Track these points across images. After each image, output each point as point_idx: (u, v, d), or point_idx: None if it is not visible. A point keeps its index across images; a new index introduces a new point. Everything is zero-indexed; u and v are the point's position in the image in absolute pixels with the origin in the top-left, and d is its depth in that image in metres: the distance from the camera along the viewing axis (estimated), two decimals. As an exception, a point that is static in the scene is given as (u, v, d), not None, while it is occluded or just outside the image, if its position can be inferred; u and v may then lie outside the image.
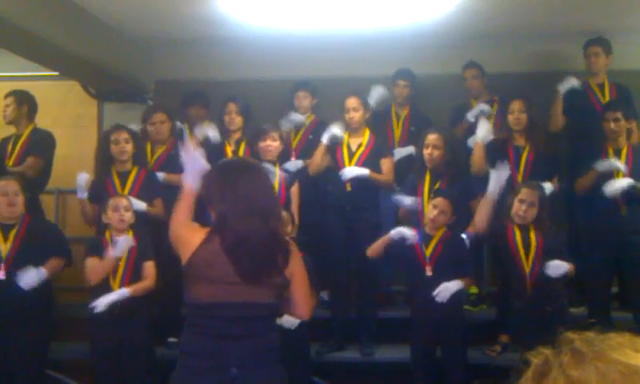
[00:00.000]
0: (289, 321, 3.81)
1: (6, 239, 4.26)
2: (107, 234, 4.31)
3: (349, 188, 4.91)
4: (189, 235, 2.55)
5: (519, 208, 4.19)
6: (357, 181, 4.88)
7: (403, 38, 5.52)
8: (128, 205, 4.32)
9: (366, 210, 4.90)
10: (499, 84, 5.58)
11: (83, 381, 4.63)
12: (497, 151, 4.92)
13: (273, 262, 2.50)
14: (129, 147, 4.70)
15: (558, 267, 4.06)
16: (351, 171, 4.87)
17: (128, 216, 4.28)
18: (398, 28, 5.38)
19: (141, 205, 4.56)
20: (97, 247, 4.25)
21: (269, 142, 4.78)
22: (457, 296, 4.32)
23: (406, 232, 4.31)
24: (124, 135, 4.72)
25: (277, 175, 4.72)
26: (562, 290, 4.25)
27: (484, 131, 4.82)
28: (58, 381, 4.66)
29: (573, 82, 5.13)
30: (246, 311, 2.50)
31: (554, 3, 5.07)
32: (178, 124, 5.44)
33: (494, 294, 4.95)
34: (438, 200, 4.36)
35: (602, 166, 4.67)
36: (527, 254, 4.22)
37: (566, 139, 5.29)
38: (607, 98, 5.17)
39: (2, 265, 4.20)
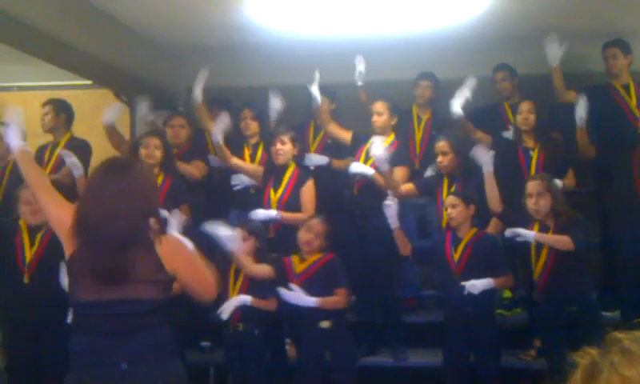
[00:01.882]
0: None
1: (32, 244, 4.28)
2: None
3: (355, 191, 4.92)
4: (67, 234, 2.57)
5: (530, 203, 4.15)
6: (365, 186, 4.86)
7: (428, 42, 5.49)
8: None
9: (375, 216, 4.84)
10: (524, 86, 5.52)
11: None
12: (506, 152, 4.89)
13: (124, 265, 2.46)
14: (157, 153, 4.74)
15: (472, 287, 4.13)
16: (357, 167, 4.86)
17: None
18: (422, 32, 5.37)
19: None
20: None
21: (278, 146, 4.80)
22: (489, 299, 4.29)
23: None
24: (155, 141, 4.77)
25: (289, 176, 4.78)
26: (585, 290, 4.17)
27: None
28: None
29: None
30: (130, 308, 2.49)
31: (576, 6, 5.01)
32: None
33: (527, 297, 4.88)
34: (447, 198, 4.41)
35: None
36: (539, 253, 4.16)
37: (594, 143, 5.20)
38: (634, 99, 5.08)
39: (26, 269, 4.22)
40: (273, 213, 4.77)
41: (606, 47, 5.19)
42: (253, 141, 5.24)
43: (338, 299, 4.27)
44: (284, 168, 4.86)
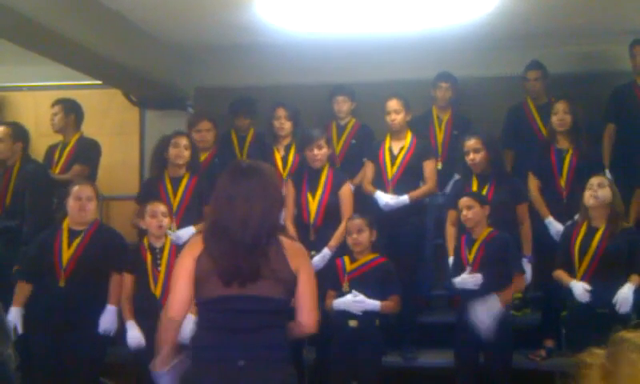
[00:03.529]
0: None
1: (70, 246, 4.25)
2: (145, 240, 4.35)
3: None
4: (189, 247, 2.71)
5: (589, 194, 4.14)
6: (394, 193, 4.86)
7: (444, 40, 5.47)
8: (166, 210, 4.35)
9: (409, 212, 4.85)
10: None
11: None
12: (537, 156, 4.85)
13: (252, 266, 2.55)
14: (187, 153, 4.75)
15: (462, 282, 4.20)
16: (388, 205, 4.83)
17: (166, 222, 4.32)
18: (438, 30, 5.34)
19: (186, 233, 4.55)
20: (136, 261, 4.29)
21: (315, 151, 4.76)
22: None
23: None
24: (184, 141, 4.77)
25: (325, 178, 4.76)
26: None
27: None
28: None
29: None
30: (251, 305, 2.56)
31: (599, 2, 4.97)
32: None
33: (538, 298, 4.86)
34: (461, 200, 4.37)
35: None
36: (583, 254, 4.14)
37: (617, 143, 5.18)
38: None
39: (63, 273, 4.20)
40: (404, 198, 4.78)
41: (633, 45, 5.16)
42: (285, 142, 5.21)
43: (392, 305, 4.28)
44: (319, 171, 4.82)
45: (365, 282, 4.25)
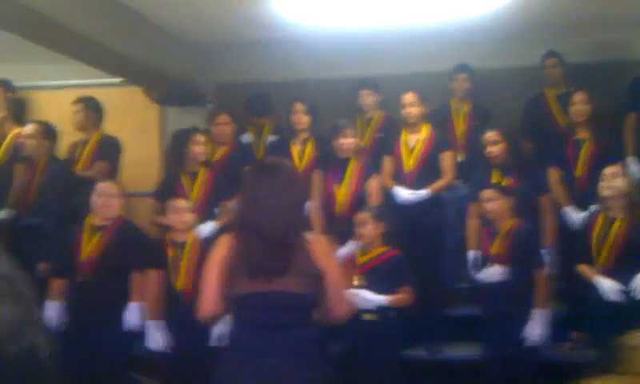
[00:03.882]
0: None
1: (90, 241, 4.27)
2: (168, 237, 4.36)
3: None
4: (219, 245, 2.73)
5: (604, 184, 4.10)
6: (416, 183, 4.82)
7: (464, 31, 5.45)
8: (188, 206, 4.36)
9: (429, 205, 4.83)
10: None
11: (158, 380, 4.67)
12: (554, 147, 4.81)
13: (280, 262, 2.58)
14: (207, 150, 4.77)
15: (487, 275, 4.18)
16: (406, 200, 4.80)
17: (189, 217, 4.32)
18: (457, 21, 5.30)
19: (207, 228, 4.56)
20: (158, 257, 4.30)
21: (341, 140, 4.75)
22: (525, 293, 4.21)
23: None
24: (204, 138, 4.78)
25: (352, 169, 4.74)
26: None
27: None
28: (135, 380, 4.71)
29: None
30: (280, 301, 2.58)
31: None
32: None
33: (563, 289, 4.80)
34: (484, 192, 4.33)
35: None
36: (602, 245, 4.08)
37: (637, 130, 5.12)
38: None
39: (83, 268, 4.21)
40: (424, 192, 4.76)
41: None
42: (303, 136, 5.20)
43: (405, 297, 4.20)
44: (346, 162, 4.81)
45: (375, 275, 4.20)
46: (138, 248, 4.36)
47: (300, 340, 2.60)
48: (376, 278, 4.19)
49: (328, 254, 2.72)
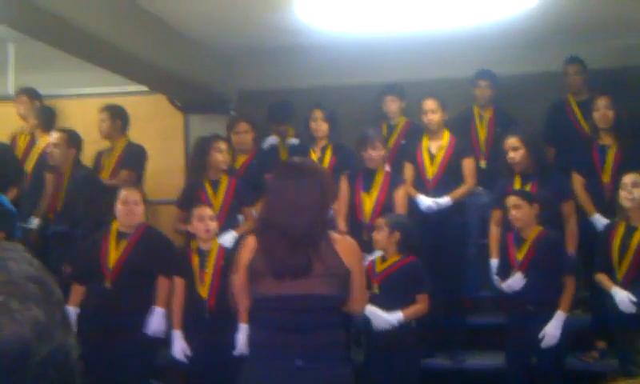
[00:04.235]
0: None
1: (117, 248, 4.31)
2: (193, 244, 4.38)
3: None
4: (244, 248, 2.73)
5: (624, 194, 4.06)
6: (438, 191, 4.81)
7: (486, 37, 5.42)
8: (213, 214, 4.39)
9: (451, 212, 4.82)
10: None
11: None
12: (579, 153, 4.76)
13: (305, 259, 2.56)
14: (229, 158, 4.80)
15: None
16: (430, 208, 4.79)
17: (214, 225, 4.35)
18: (480, 27, 5.28)
19: (229, 238, 4.58)
20: (183, 264, 4.33)
21: (370, 152, 4.76)
22: (551, 301, 4.17)
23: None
24: (226, 145, 4.82)
25: (380, 178, 4.75)
26: None
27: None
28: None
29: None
30: (307, 303, 2.56)
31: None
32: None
33: (589, 298, 4.75)
34: (509, 198, 4.29)
35: None
36: (623, 255, 4.03)
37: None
38: None
39: (109, 274, 4.26)
40: (446, 199, 4.76)
41: None
42: (322, 143, 5.20)
43: (420, 307, 4.19)
44: (374, 171, 4.82)
45: (392, 283, 4.19)
46: (162, 254, 4.40)
47: (327, 341, 2.59)
48: (392, 287, 4.19)
49: (354, 254, 2.71)
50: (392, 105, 5.43)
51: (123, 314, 4.19)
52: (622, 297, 4.02)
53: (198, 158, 4.90)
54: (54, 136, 5.16)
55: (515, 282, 4.17)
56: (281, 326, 2.59)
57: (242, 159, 5.25)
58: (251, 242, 2.69)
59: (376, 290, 4.21)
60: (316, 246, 2.57)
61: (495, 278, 4.48)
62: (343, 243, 2.67)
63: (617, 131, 4.71)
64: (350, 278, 2.64)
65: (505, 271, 4.33)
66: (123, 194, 4.39)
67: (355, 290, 2.67)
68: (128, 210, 4.33)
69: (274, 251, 2.58)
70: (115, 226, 4.38)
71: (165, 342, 4.35)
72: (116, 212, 4.37)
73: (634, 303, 3.98)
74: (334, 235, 2.68)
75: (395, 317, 4.08)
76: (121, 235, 4.35)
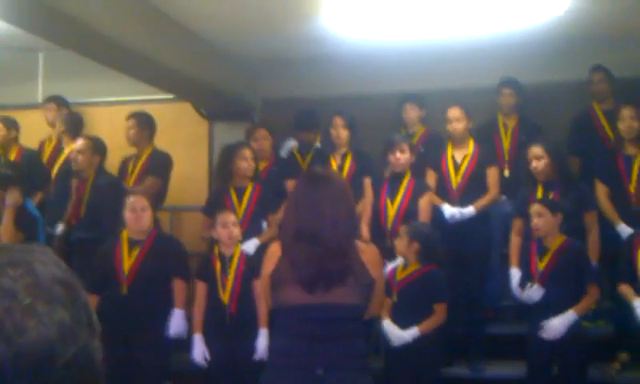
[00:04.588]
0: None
1: (130, 255, 4.40)
2: (216, 250, 4.43)
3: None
4: (270, 256, 2.73)
5: None
6: (462, 202, 4.82)
7: (511, 45, 5.41)
8: (236, 220, 4.44)
9: (475, 221, 4.81)
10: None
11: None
12: (604, 163, 4.73)
13: (340, 269, 2.56)
14: (254, 165, 4.86)
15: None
16: (454, 218, 4.79)
17: (237, 232, 4.40)
18: (504, 35, 5.28)
19: (251, 245, 4.63)
20: (206, 269, 4.39)
21: (398, 155, 4.77)
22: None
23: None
24: (250, 152, 4.87)
25: (406, 185, 4.76)
26: None
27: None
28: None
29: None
30: (332, 313, 2.56)
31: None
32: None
33: (611, 309, 4.72)
34: (533, 206, 4.26)
35: None
36: None
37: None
38: None
39: (125, 281, 4.33)
40: (470, 209, 4.78)
41: None
42: (342, 150, 5.20)
43: (437, 318, 4.18)
44: (400, 177, 4.82)
45: (411, 292, 4.19)
46: (175, 257, 4.49)
47: (349, 350, 2.59)
48: (411, 295, 4.19)
49: (378, 263, 2.74)
50: (411, 113, 5.45)
51: (140, 319, 4.27)
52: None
53: (223, 165, 4.94)
54: (78, 143, 5.23)
55: (534, 292, 4.16)
56: (304, 335, 2.58)
57: (261, 166, 5.30)
58: (276, 250, 2.69)
59: (395, 298, 4.22)
60: (349, 257, 2.58)
61: (516, 288, 4.46)
62: (369, 252, 2.70)
63: None
64: (373, 286, 2.65)
65: (527, 281, 4.30)
66: (131, 200, 4.46)
67: (376, 296, 2.68)
68: (136, 216, 4.40)
69: (307, 261, 2.56)
70: (126, 234, 4.44)
71: (183, 344, 4.40)
72: (125, 220, 4.43)
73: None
74: (360, 244, 2.70)
75: (410, 333, 4.10)
76: (132, 242, 4.42)
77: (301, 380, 2.55)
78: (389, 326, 4.14)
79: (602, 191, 4.73)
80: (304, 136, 5.60)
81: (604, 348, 4.68)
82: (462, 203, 4.85)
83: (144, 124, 5.56)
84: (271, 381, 2.64)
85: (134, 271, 4.34)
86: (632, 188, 4.63)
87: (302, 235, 2.60)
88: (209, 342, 4.29)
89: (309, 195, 2.66)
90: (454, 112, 4.97)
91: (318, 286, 2.54)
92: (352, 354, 2.59)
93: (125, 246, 4.40)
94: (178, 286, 4.41)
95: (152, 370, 4.33)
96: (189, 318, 4.42)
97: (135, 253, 4.39)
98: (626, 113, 4.69)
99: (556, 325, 4.05)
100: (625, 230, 4.54)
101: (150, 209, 4.50)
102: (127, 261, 4.37)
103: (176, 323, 4.33)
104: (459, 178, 4.94)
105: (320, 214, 2.58)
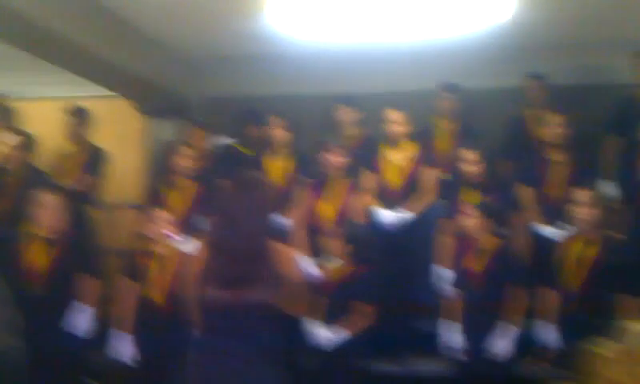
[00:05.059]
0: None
1: (44, 254, 4.29)
2: (149, 248, 4.36)
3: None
4: (195, 255, 2.97)
5: (579, 212, 4.16)
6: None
7: (451, 51, 5.49)
8: (169, 218, 4.37)
9: (411, 225, 4.87)
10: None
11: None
12: (531, 167, 4.88)
13: (253, 269, 2.77)
14: (193, 163, 4.79)
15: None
16: (392, 224, 4.84)
17: (170, 230, 4.35)
18: (445, 41, 5.35)
19: (186, 243, 4.57)
20: (137, 268, 4.32)
21: (329, 156, 4.80)
22: (506, 309, 4.25)
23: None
24: (191, 151, 4.80)
25: (339, 186, 4.79)
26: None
27: None
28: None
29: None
30: (245, 309, 2.77)
31: (604, 15, 4.98)
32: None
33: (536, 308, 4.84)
34: (465, 209, 4.38)
35: None
36: (574, 266, 4.14)
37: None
38: None
39: (36, 279, 4.23)
40: (408, 214, 4.82)
41: (635, 57, 5.15)
42: (280, 151, 5.18)
43: (365, 319, 4.27)
44: (334, 178, 4.83)
45: (341, 292, 4.26)
46: (87, 255, 4.47)
47: (262, 344, 2.78)
48: (341, 296, 4.24)
49: (293, 264, 2.95)
50: (346, 115, 5.47)
51: (53, 317, 4.21)
52: (550, 334, 4.24)
53: (162, 162, 4.88)
54: (6, 137, 5.06)
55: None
56: (222, 330, 2.78)
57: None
58: (202, 250, 2.91)
59: (325, 299, 4.25)
60: (259, 258, 2.77)
61: (445, 286, 4.55)
62: (284, 254, 2.88)
63: (566, 147, 4.82)
64: (289, 286, 2.85)
65: (461, 281, 4.38)
66: (41, 197, 4.33)
67: (293, 296, 2.91)
68: (48, 214, 4.29)
69: (222, 262, 2.77)
70: (35, 231, 4.32)
71: (101, 342, 4.36)
72: (35, 216, 4.31)
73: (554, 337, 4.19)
74: (276, 246, 2.86)
75: (339, 334, 4.19)
76: (43, 240, 4.31)
77: (217, 372, 2.73)
78: (317, 328, 4.22)
79: (527, 195, 4.85)
80: (249, 131, 5.56)
81: (530, 344, 4.79)
82: (399, 205, 4.90)
83: (82, 120, 5.45)
84: (191, 373, 2.79)
85: (47, 270, 4.25)
86: (553, 192, 4.76)
87: (218, 237, 2.83)
88: (138, 341, 4.24)
89: (227, 199, 2.89)
90: (394, 115, 5.03)
91: (231, 284, 2.74)
92: (264, 348, 2.79)
93: (35, 244, 4.29)
94: (88, 284, 4.36)
95: (67, 367, 4.23)
96: (106, 316, 4.38)
97: (47, 251, 4.29)
98: (552, 119, 4.85)
99: (506, 345, 4.19)
100: (547, 231, 4.69)
101: (65, 207, 4.39)
102: (39, 258, 4.27)
103: (82, 320, 4.28)
104: (397, 180, 4.99)
105: (233, 218, 2.78)
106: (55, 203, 4.33)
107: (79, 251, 4.41)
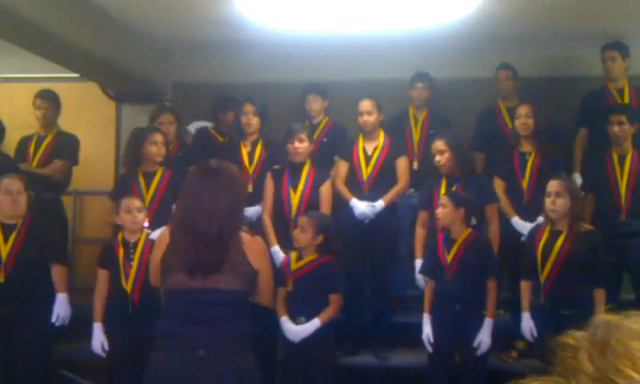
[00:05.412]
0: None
1: (6, 241, 4.25)
2: (120, 236, 4.31)
3: (365, 190, 4.95)
4: (160, 242, 2.91)
5: (548, 202, 4.19)
6: (373, 187, 4.87)
7: (421, 40, 5.51)
8: (141, 205, 4.33)
9: (383, 212, 4.88)
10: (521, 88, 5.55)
11: (98, 382, 4.64)
12: (502, 158, 4.91)
13: (216, 258, 2.72)
14: (164, 150, 4.73)
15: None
16: (364, 215, 4.84)
17: (141, 217, 4.29)
18: (415, 31, 5.37)
19: (158, 232, 4.53)
20: (109, 256, 4.28)
21: (297, 144, 4.76)
22: (479, 300, 4.29)
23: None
24: (161, 137, 4.74)
25: (306, 174, 4.77)
26: (583, 296, 4.17)
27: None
28: (72, 381, 4.66)
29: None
30: (211, 297, 2.72)
31: (573, 7, 5.03)
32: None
33: (509, 299, 4.90)
34: (442, 198, 4.38)
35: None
36: (546, 257, 4.18)
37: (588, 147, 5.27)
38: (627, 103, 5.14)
39: (2, 267, 4.19)
40: (379, 203, 4.82)
41: (604, 49, 5.22)
42: (252, 138, 5.14)
43: (333, 309, 4.25)
44: (300, 166, 4.81)
45: (307, 281, 4.23)
46: (53, 242, 4.42)
47: (230, 333, 2.73)
48: (307, 285, 4.22)
49: (261, 254, 2.91)
50: (314, 104, 5.45)
51: (19, 306, 4.16)
52: (526, 325, 4.25)
53: (132, 149, 4.81)
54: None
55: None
56: (186, 318, 2.73)
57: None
58: (165, 237, 2.84)
59: (290, 288, 4.25)
60: (226, 247, 2.72)
61: (418, 277, 4.58)
62: (252, 244, 2.84)
63: (537, 139, 4.87)
64: (258, 275, 2.84)
65: (434, 270, 4.40)
66: (5, 182, 4.28)
67: (262, 286, 2.89)
68: (12, 199, 4.24)
69: (187, 249, 2.72)
70: None
71: (83, 333, 4.31)
72: None
73: (533, 333, 4.23)
74: (245, 236, 2.82)
75: (310, 327, 4.17)
76: (6, 227, 4.27)
77: (184, 360, 2.67)
78: (285, 322, 4.21)
79: (499, 185, 4.91)
80: (223, 117, 5.52)
81: (502, 337, 4.85)
82: (372, 194, 4.91)
83: (53, 103, 5.36)
84: (157, 362, 2.74)
85: (12, 257, 4.20)
86: (525, 183, 4.82)
87: (183, 224, 2.77)
88: (110, 331, 4.20)
89: (193, 186, 2.82)
90: (365, 104, 5.02)
91: (196, 272, 2.70)
92: (234, 337, 2.74)
93: None
94: (57, 272, 4.34)
95: (34, 357, 4.24)
96: (78, 306, 4.34)
97: (12, 238, 4.24)
98: (523, 110, 4.88)
99: (486, 339, 4.22)
100: (517, 222, 4.75)
101: (26, 192, 4.34)
102: (4, 248, 4.22)
103: (59, 308, 4.26)
104: (369, 169, 4.99)
105: (199, 205, 2.73)
106: (16, 188, 4.27)
107: (44, 238, 4.35)
